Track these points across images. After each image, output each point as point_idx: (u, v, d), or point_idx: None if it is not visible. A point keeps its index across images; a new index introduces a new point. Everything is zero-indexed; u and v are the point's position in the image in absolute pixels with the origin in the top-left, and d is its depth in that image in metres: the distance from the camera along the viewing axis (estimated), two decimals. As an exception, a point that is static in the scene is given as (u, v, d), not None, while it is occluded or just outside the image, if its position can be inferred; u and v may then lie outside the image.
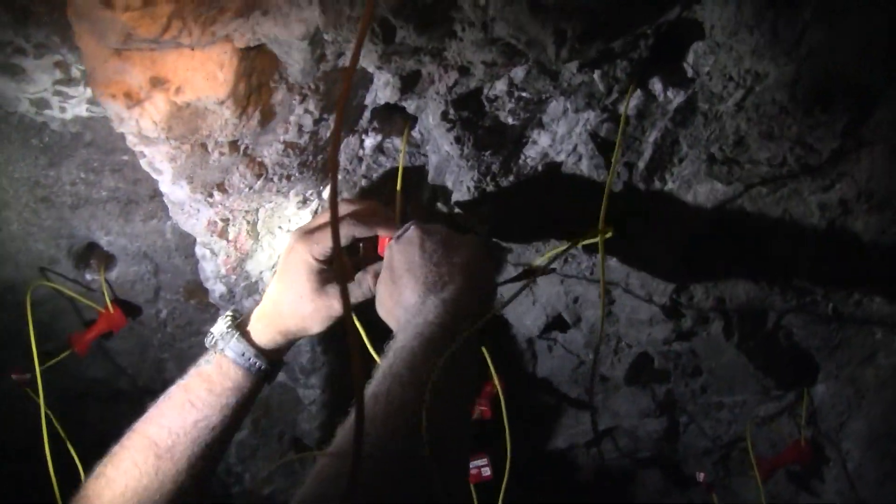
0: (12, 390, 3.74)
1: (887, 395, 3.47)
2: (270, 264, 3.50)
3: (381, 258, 2.91)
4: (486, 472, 4.01)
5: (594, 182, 3.07)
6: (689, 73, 2.74)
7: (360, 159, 3.24)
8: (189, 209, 3.20)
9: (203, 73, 2.61)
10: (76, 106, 3.04)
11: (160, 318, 4.08)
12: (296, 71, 2.71)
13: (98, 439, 4.54)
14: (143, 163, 2.96)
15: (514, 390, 4.30)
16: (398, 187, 3.13)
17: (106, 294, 3.81)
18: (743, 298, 3.40)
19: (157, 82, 2.60)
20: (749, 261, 3.19)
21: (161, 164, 2.94)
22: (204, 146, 2.87)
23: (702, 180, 2.99)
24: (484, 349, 3.87)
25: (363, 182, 3.29)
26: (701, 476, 4.13)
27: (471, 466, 4.02)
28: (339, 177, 3.26)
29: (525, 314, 3.88)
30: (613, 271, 3.48)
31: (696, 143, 2.86)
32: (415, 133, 3.17)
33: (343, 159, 3.23)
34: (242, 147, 2.94)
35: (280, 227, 3.39)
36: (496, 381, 3.78)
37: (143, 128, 2.74)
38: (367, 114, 3.11)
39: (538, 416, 4.64)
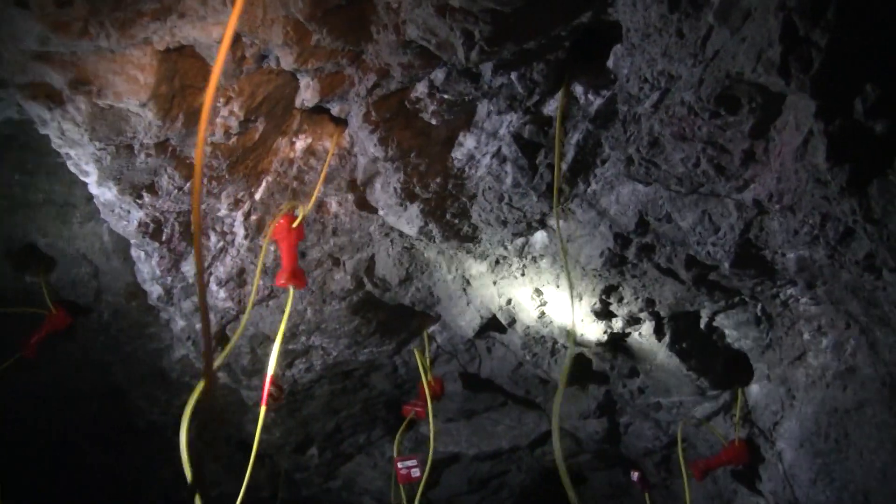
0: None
1: (817, 395, 3.51)
2: (206, 265, 3.52)
3: None
4: (416, 472, 4.05)
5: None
6: (611, 75, 2.77)
7: (291, 161, 3.26)
8: (119, 211, 3.22)
9: (124, 76, 2.64)
10: (7, 109, 3.05)
11: (103, 320, 4.09)
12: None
13: (50, 442, 4.57)
14: (69, 164, 2.98)
15: (454, 391, 4.35)
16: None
17: (47, 296, 3.82)
18: (671, 299, 3.44)
19: (77, 84, 2.62)
20: (675, 262, 3.22)
21: (87, 166, 2.96)
22: (130, 148, 2.89)
23: (623, 181, 3.03)
24: (417, 351, 3.92)
25: (294, 184, 3.32)
26: (635, 475, 4.18)
27: (401, 467, 4.05)
28: (271, 178, 3.29)
29: (459, 315, 3.91)
30: (544, 272, 3.52)
31: (617, 144, 2.89)
32: (344, 136, 3.20)
33: (274, 162, 3.26)
34: (170, 149, 2.96)
35: (214, 229, 3.41)
36: (427, 383, 3.82)
37: (66, 130, 2.76)
38: (297, 116, 3.13)
39: (480, 417, 4.67)
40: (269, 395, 3.09)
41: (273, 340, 3.98)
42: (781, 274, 3.10)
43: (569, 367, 3.44)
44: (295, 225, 3.15)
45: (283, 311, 3.70)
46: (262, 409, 2.99)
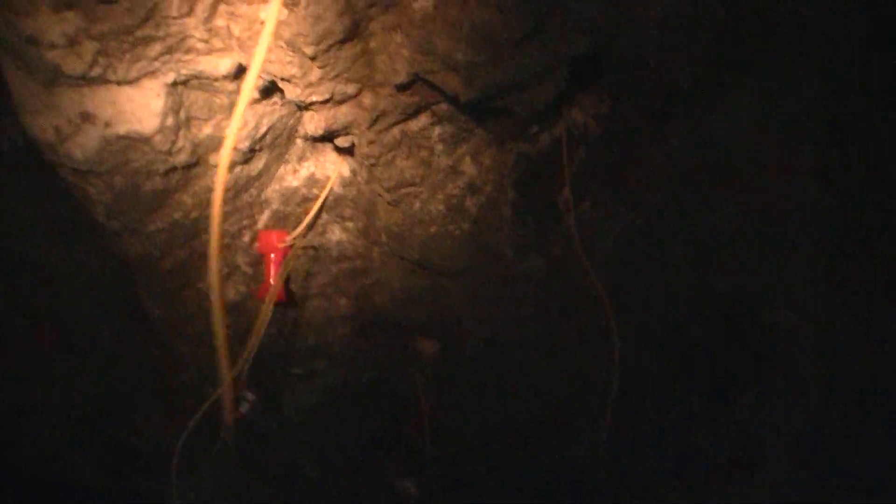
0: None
1: (806, 412, 3.55)
2: (209, 293, 3.56)
3: None
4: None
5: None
6: (608, 102, 2.82)
7: (295, 190, 3.30)
8: (127, 237, 3.26)
9: (132, 108, 2.69)
10: (13, 137, 3.10)
11: (101, 340, 4.12)
12: (224, 104, 2.78)
13: (40, 459, 4.57)
14: (77, 194, 3.02)
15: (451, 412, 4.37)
16: None
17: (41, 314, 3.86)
18: (671, 320, 3.48)
19: (86, 117, 2.67)
20: (672, 284, 3.27)
21: (94, 196, 3.00)
22: (136, 178, 2.93)
23: (621, 206, 3.08)
24: (419, 371, 3.95)
25: (298, 212, 3.36)
26: None
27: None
28: (274, 207, 3.33)
29: (462, 337, 3.94)
30: (546, 295, 3.56)
31: (615, 170, 2.94)
32: (348, 164, 3.24)
33: (278, 191, 3.30)
34: (176, 179, 3.00)
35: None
36: (422, 405, 3.87)
37: (74, 161, 2.80)
38: (300, 145, 3.17)
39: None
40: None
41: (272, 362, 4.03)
42: (772, 293, 3.14)
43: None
44: (282, 245, 3.22)
45: (281, 335, 3.75)
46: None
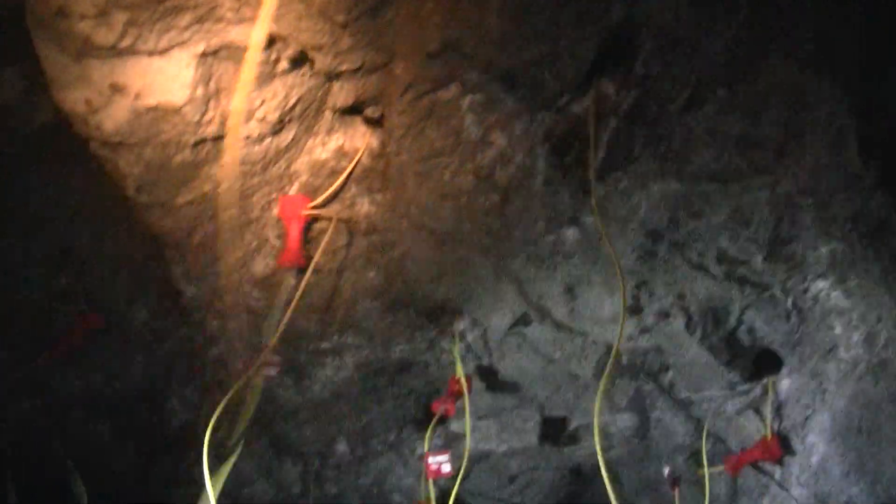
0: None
1: (849, 389, 3.52)
2: (239, 266, 3.56)
3: None
4: (447, 468, 4.06)
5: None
6: (640, 73, 2.79)
7: (324, 163, 3.29)
8: (157, 212, 3.27)
9: (162, 79, 2.69)
10: (43, 114, 3.09)
11: (136, 322, 4.12)
12: (253, 75, 2.77)
13: (80, 445, 4.59)
14: (107, 168, 3.03)
15: (482, 387, 4.36)
16: None
17: (81, 299, 3.85)
18: (703, 294, 3.46)
19: (117, 88, 2.68)
20: (706, 257, 3.24)
21: (125, 169, 3.00)
22: (166, 150, 2.93)
23: (655, 178, 3.05)
24: (453, 347, 3.94)
25: (326, 185, 3.35)
26: (666, 470, 4.19)
27: (431, 462, 4.07)
28: (303, 179, 3.32)
29: (491, 312, 3.93)
30: (574, 268, 3.54)
31: (648, 142, 2.92)
32: (377, 136, 3.23)
33: (307, 163, 3.29)
34: (205, 151, 3.00)
35: (248, 229, 3.45)
36: (461, 379, 3.84)
37: (105, 133, 2.81)
38: (328, 116, 3.16)
39: (509, 414, 4.69)
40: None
41: (305, 338, 4.02)
42: (813, 268, 3.11)
43: (612, 365, 3.44)
44: (304, 212, 3.22)
45: (314, 310, 3.75)
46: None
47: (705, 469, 3.92)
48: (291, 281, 3.28)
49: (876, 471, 3.37)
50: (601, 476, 3.23)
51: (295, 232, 3.25)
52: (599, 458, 3.33)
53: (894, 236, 2.65)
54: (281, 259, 3.23)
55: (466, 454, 3.80)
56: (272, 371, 3.41)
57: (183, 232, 3.37)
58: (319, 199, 3.28)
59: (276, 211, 3.32)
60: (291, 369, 4.24)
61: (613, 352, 3.35)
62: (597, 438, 3.50)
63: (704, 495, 4.04)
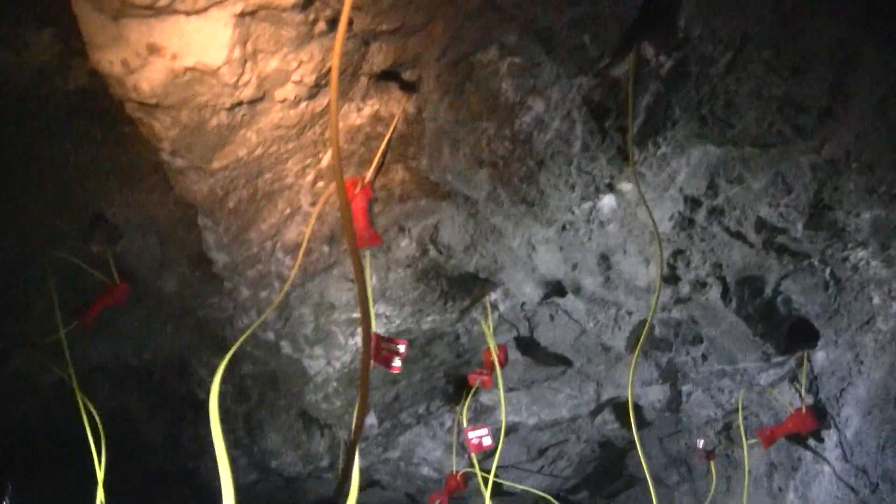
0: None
1: (886, 361, 3.48)
2: (272, 232, 3.54)
3: None
4: (487, 441, 4.08)
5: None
6: (681, 35, 2.75)
7: (359, 128, 3.27)
8: (192, 176, 3.25)
9: (199, 40, 2.65)
10: (78, 77, 3.07)
11: (166, 290, 4.12)
12: (291, 37, 2.74)
13: (109, 415, 4.61)
14: (142, 130, 3.01)
15: (513, 359, 4.34)
16: None
17: (112, 266, 3.85)
18: (740, 264, 3.42)
19: (154, 49, 2.65)
20: (744, 224, 3.21)
21: (161, 132, 2.98)
22: (203, 113, 2.91)
23: (694, 143, 3.01)
24: (482, 319, 3.93)
25: (361, 150, 3.33)
26: (700, 443, 4.17)
27: (471, 437, 4.09)
28: (340, 144, 3.29)
29: (524, 282, 3.91)
30: (610, 237, 3.51)
31: (688, 106, 2.88)
32: (412, 102, 3.20)
33: (342, 129, 3.27)
34: (241, 114, 2.98)
35: (282, 196, 3.43)
36: (495, 351, 3.83)
37: (141, 94, 2.79)
38: (364, 82, 3.14)
39: (540, 386, 4.68)
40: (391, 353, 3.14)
41: (337, 308, 4.01)
42: (853, 236, 3.07)
43: (645, 336, 3.41)
44: (358, 189, 3.20)
45: (347, 279, 3.73)
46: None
47: (743, 442, 3.90)
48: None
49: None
50: (632, 450, 3.23)
51: (359, 213, 3.22)
52: (634, 432, 3.33)
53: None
54: (358, 242, 3.19)
55: (503, 428, 3.79)
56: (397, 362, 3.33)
57: (216, 198, 3.35)
58: (370, 172, 3.26)
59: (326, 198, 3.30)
60: (321, 340, 4.24)
61: (648, 322, 3.35)
62: (631, 412, 3.50)
63: (743, 469, 4.02)
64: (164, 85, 2.75)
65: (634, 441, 3.51)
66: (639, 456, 3.63)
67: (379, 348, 3.15)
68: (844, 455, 3.74)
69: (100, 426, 3.70)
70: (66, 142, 3.35)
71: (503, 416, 3.77)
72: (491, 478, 4.03)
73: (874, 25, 2.33)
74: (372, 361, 3.07)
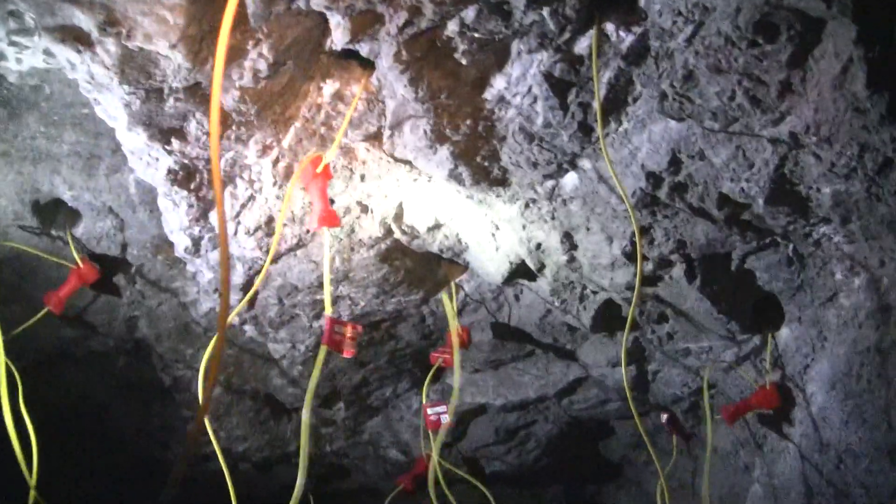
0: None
1: (849, 337, 3.49)
2: (234, 214, 3.52)
3: None
4: (445, 418, 4.08)
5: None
6: (642, 10, 2.74)
7: (319, 107, 3.24)
8: (148, 158, 3.22)
9: (153, 17, 2.61)
10: (32, 57, 3.03)
11: (128, 274, 4.09)
12: (248, 13, 2.71)
13: (74, 402, 4.58)
14: (97, 110, 2.98)
15: (479, 340, 4.34)
16: None
17: (73, 249, 3.82)
18: (703, 240, 3.42)
19: (107, 26, 2.61)
20: (707, 201, 3.20)
21: (116, 111, 2.95)
22: (159, 91, 2.88)
23: (656, 119, 3.01)
24: (445, 297, 3.91)
25: (322, 130, 3.30)
26: (664, 417, 4.18)
27: (430, 413, 4.09)
28: (298, 124, 3.27)
29: (488, 261, 3.91)
30: (573, 215, 3.51)
31: (649, 81, 2.87)
32: (372, 80, 3.18)
33: (302, 108, 3.24)
34: (199, 93, 2.95)
35: (242, 177, 3.40)
36: (456, 331, 3.82)
37: (95, 73, 2.75)
38: (324, 60, 3.11)
39: (507, 367, 4.68)
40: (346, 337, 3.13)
41: (301, 291, 3.99)
42: (815, 211, 3.07)
43: (632, 315, 3.40)
44: (319, 169, 3.18)
45: (311, 261, 3.71)
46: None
47: (708, 419, 3.91)
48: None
49: (876, 417, 3.35)
50: (601, 429, 3.24)
51: (319, 193, 3.20)
52: (634, 413, 3.31)
53: (898, 173, 2.62)
54: (318, 223, 3.17)
55: (452, 406, 3.77)
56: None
57: (178, 179, 3.32)
58: (330, 152, 3.24)
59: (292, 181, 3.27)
60: (285, 323, 4.22)
61: (633, 301, 3.36)
62: (629, 394, 3.51)
63: (706, 446, 4.03)
64: (119, 64, 2.71)
65: (602, 421, 3.52)
66: (609, 437, 3.64)
67: (332, 332, 3.12)
68: (809, 431, 3.75)
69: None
70: (21, 122, 3.32)
71: (455, 391, 3.73)
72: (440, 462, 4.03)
73: (833, -3, 2.32)
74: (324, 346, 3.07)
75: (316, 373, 2.82)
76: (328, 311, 3.08)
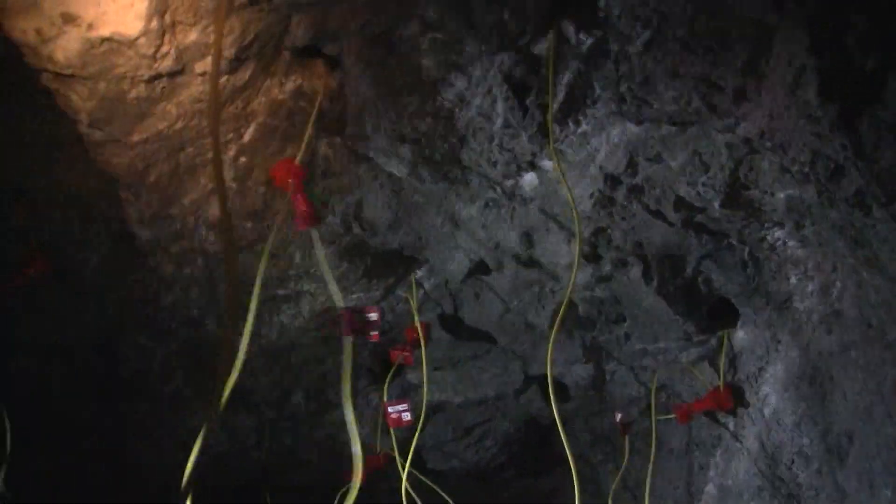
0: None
1: (803, 340, 3.54)
2: (194, 208, 3.51)
3: None
4: (407, 416, 4.09)
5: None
6: (601, 14, 2.77)
7: (281, 104, 3.25)
8: (111, 149, 3.21)
9: (115, 9, 2.62)
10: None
11: (89, 267, 4.07)
12: (210, 8, 2.72)
13: (29, 395, 4.53)
14: (59, 101, 2.97)
15: (439, 337, 4.35)
16: None
17: (31, 241, 3.80)
18: (660, 242, 3.46)
19: (69, 18, 2.61)
20: (664, 203, 3.24)
21: (78, 104, 2.95)
22: (121, 84, 2.88)
23: (614, 121, 3.04)
24: (408, 295, 3.93)
25: (284, 126, 3.31)
26: (618, 416, 4.23)
27: (391, 411, 4.10)
28: (260, 120, 3.28)
29: (447, 259, 3.93)
30: (532, 215, 3.53)
31: (608, 84, 2.90)
32: (335, 77, 3.19)
33: (264, 104, 3.25)
34: (160, 87, 2.95)
35: (201, 171, 3.40)
36: (418, 328, 3.84)
37: (57, 64, 2.75)
38: (286, 56, 3.12)
39: (465, 365, 4.70)
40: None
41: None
42: (770, 215, 3.12)
43: (563, 313, 3.43)
44: (294, 168, 3.22)
45: (271, 255, 3.71)
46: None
47: (653, 418, 3.95)
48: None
49: (827, 420, 3.40)
50: (557, 428, 3.26)
51: (297, 193, 3.23)
52: (554, 410, 3.35)
53: (851, 181, 2.65)
54: (299, 225, 3.21)
55: (424, 404, 3.80)
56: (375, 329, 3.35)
57: (137, 171, 3.32)
58: (302, 150, 3.25)
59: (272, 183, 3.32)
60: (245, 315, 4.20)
61: (565, 300, 3.37)
62: (551, 390, 3.52)
63: (652, 445, 4.08)
64: (81, 55, 2.72)
65: (562, 419, 3.54)
66: (569, 436, 3.66)
67: (353, 321, 3.18)
68: (762, 433, 3.80)
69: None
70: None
71: (425, 391, 3.77)
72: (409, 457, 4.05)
73: (788, 5, 2.36)
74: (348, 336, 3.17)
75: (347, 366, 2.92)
76: (339, 304, 3.13)
